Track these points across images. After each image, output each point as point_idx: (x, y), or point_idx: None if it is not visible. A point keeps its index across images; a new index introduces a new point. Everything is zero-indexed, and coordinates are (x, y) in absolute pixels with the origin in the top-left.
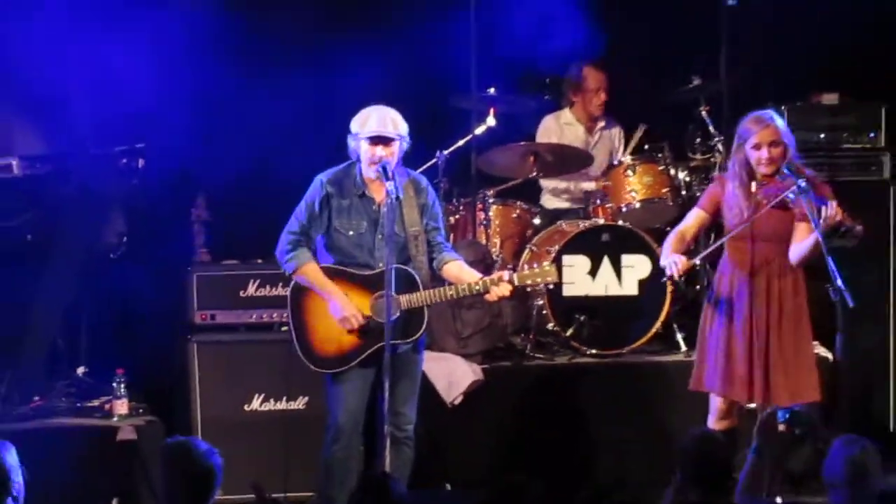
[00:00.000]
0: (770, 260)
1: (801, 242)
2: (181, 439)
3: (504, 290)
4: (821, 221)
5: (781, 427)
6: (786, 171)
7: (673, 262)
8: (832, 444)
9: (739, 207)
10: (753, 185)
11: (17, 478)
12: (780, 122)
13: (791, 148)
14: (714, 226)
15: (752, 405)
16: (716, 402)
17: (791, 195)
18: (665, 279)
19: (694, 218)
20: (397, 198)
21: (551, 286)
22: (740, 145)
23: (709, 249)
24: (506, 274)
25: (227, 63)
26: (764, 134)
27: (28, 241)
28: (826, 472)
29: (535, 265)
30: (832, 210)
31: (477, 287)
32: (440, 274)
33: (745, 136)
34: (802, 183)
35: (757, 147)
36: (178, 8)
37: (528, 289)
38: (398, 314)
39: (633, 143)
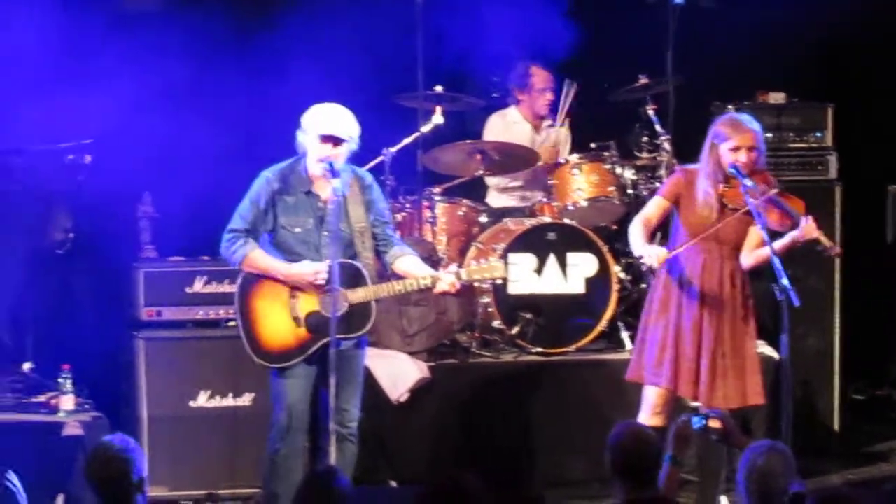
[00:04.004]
0: (724, 263)
1: (754, 249)
2: (94, 445)
3: (451, 284)
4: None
5: (696, 434)
6: (733, 170)
7: (654, 253)
8: (744, 452)
9: (709, 207)
10: (721, 186)
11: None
12: (758, 127)
13: (761, 154)
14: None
15: (695, 403)
16: (650, 399)
17: (751, 201)
18: (645, 269)
19: (656, 206)
20: (343, 195)
21: (499, 282)
22: (715, 146)
23: (685, 245)
24: (454, 268)
25: (175, 59)
26: (744, 138)
27: None
28: (736, 478)
29: (482, 261)
30: (808, 225)
31: (424, 282)
32: (392, 268)
33: (723, 138)
34: (749, 183)
35: (735, 150)
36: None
37: (476, 284)
38: (345, 309)
39: (565, 103)
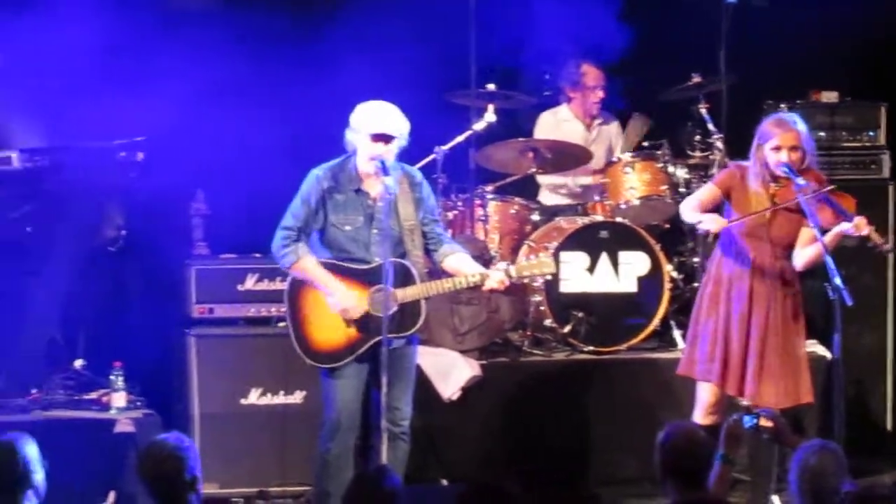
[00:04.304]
0: (775, 261)
1: (807, 248)
2: (148, 442)
3: (500, 281)
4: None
5: (747, 433)
6: (786, 169)
7: (712, 218)
8: (796, 451)
9: (761, 206)
10: (772, 185)
11: (37, 470)
12: (802, 127)
13: (809, 154)
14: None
15: (745, 402)
16: (703, 397)
17: (803, 198)
18: (701, 233)
19: (708, 192)
20: (393, 193)
21: (549, 277)
22: (760, 146)
23: (747, 216)
24: (503, 265)
25: (228, 57)
26: (786, 137)
27: (27, 234)
28: (788, 477)
29: (531, 257)
30: (859, 220)
31: (474, 279)
32: (441, 266)
33: (767, 137)
34: (801, 181)
35: (777, 149)
36: (173, 4)
37: (526, 280)
38: (395, 308)
39: (638, 138)
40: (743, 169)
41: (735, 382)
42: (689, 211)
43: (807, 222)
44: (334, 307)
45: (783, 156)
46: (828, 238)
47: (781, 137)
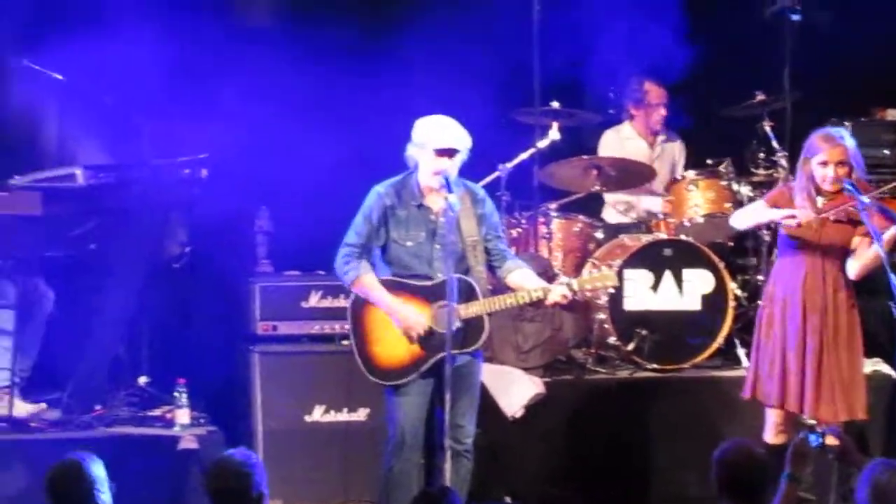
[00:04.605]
0: (827, 273)
1: (861, 256)
2: (216, 458)
3: (563, 294)
4: (884, 237)
5: (814, 451)
6: (849, 186)
7: (802, 210)
8: (864, 469)
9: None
10: (820, 199)
11: (104, 490)
12: (850, 143)
13: (858, 169)
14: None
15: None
16: (772, 416)
17: (858, 208)
18: (794, 225)
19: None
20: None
21: (612, 290)
22: (807, 160)
23: (838, 208)
24: (565, 279)
25: (292, 74)
26: (833, 153)
27: (91, 251)
28: (856, 496)
29: (593, 271)
30: None
31: (536, 293)
32: (505, 282)
33: (814, 152)
34: (866, 200)
35: (824, 164)
36: (238, 21)
37: (589, 292)
38: (459, 324)
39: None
40: (791, 188)
41: (795, 399)
42: (755, 212)
43: (857, 231)
44: (399, 324)
45: (829, 171)
46: (887, 235)
47: (829, 152)
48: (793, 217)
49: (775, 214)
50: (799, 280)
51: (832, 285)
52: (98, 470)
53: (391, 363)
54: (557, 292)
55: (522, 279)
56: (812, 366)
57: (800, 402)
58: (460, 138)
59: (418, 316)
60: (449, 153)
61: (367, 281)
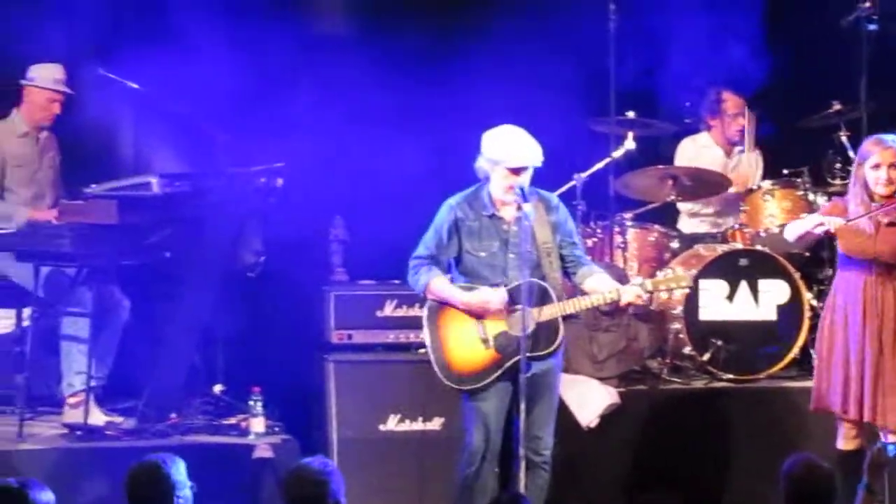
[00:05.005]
0: (885, 281)
1: None
2: (294, 466)
3: (637, 295)
4: None
5: (891, 461)
6: None
7: (829, 218)
8: None
9: (864, 226)
10: (874, 204)
11: (184, 493)
12: None
13: None
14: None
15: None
16: (842, 423)
17: None
18: (823, 232)
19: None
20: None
21: (686, 290)
22: (860, 165)
23: (867, 214)
24: (638, 279)
25: (368, 83)
26: (885, 154)
27: (166, 259)
28: None
29: (666, 272)
30: None
31: (610, 295)
32: (581, 287)
33: (866, 156)
34: None
35: (876, 167)
36: (313, 30)
37: (663, 292)
38: (533, 327)
39: (750, 132)
40: (847, 200)
41: (856, 406)
42: (801, 223)
43: None
44: (485, 306)
45: (882, 173)
46: None
47: (880, 155)
48: (821, 224)
49: (807, 224)
50: (859, 287)
51: (892, 293)
52: (178, 471)
53: (467, 368)
54: (631, 293)
55: (596, 283)
56: (871, 370)
57: (860, 408)
58: (533, 154)
59: (493, 292)
60: (523, 170)
61: (438, 283)
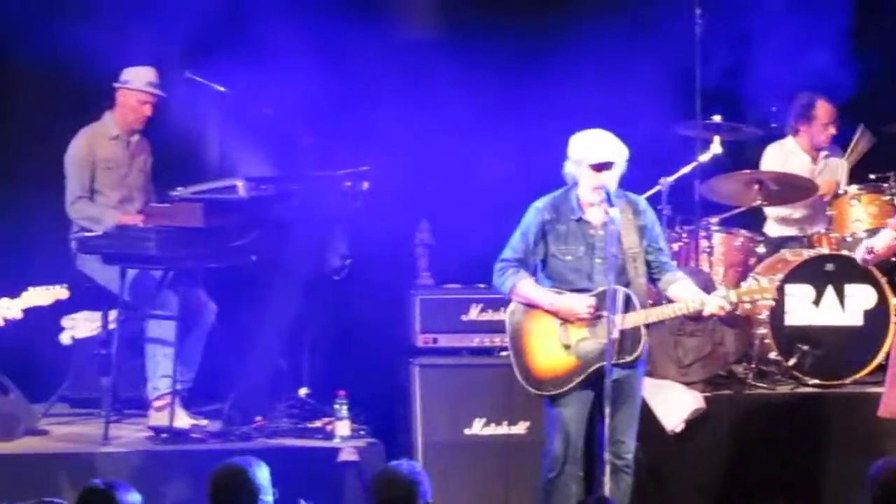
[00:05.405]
0: None
1: None
2: (382, 468)
3: (720, 306)
4: None
5: None
6: None
7: (877, 238)
8: None
9: None
10: None
11: (267, 498)
12: None
13: None
14: None
15: None
16: None
17: None
18: (870, 259)
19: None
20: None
21: (771, 302)
22: None
23: None
24: (723, 290)
25: (453, 87)
26: None
27: (252, 262)
28: None
29: (751, 282)
30: None
31: (694, 304)
32: (665, 294)
33: None
34: None
35: None
36: (400, 33)
37: (747, 303)
38: (617, 334)
39: (852, 147)
40: None
41: None
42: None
43: None
44: (571, 313)
45: None
46: None
47: None
48: (870, 250)
49: (865, 244)
50: None
51: None
52: (262, 476)
53: (549, 374)
54: (714, 304)
55: (682, 290)
56: None
57: None
58: (615, 151)
59: (580, 299)
60: (606, 167)
61: (524, 285)
